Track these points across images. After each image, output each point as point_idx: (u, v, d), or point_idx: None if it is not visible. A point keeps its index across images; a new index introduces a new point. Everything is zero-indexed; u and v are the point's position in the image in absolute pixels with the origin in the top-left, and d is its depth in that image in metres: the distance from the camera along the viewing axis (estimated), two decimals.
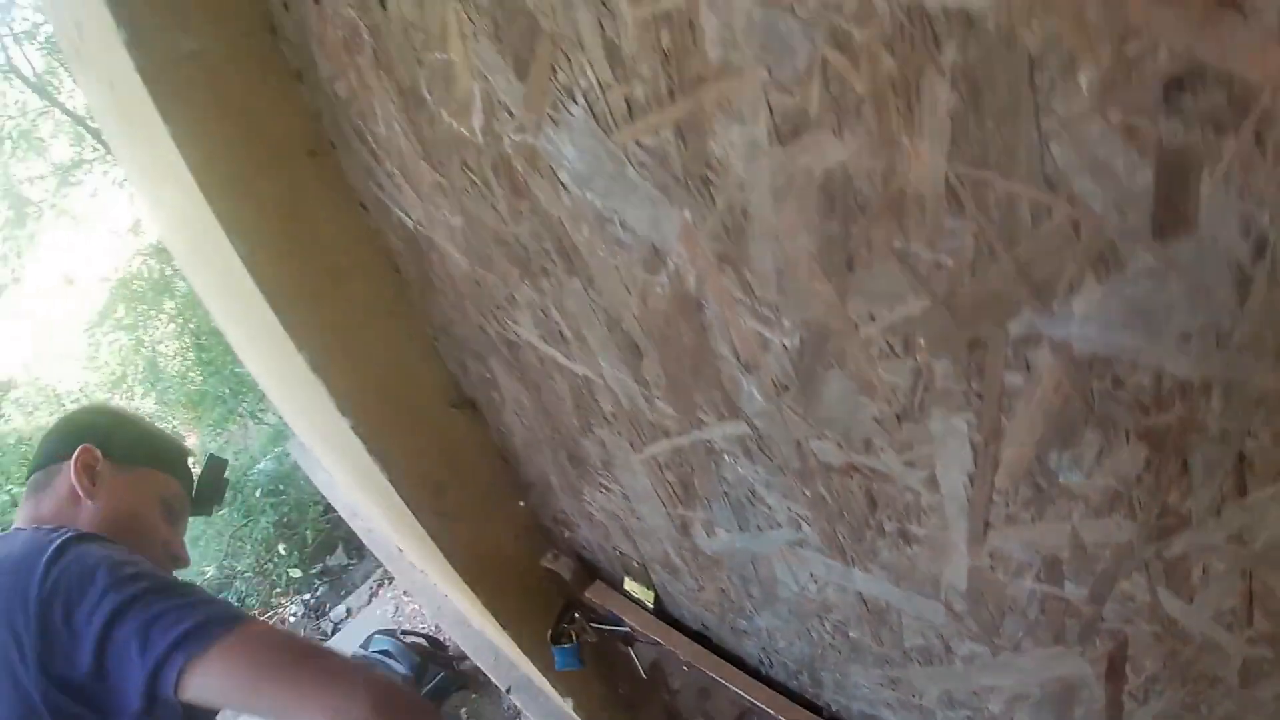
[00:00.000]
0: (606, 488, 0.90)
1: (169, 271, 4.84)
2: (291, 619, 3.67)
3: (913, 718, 0.77)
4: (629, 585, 1.06)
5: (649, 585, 1.03)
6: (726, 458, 0.68)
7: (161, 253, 4.83)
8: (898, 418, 0.51)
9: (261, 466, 4.29)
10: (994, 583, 0.56)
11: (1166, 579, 0.46)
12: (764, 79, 0.40)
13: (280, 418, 3.90)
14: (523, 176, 0.61)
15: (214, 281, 1.22)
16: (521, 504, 1.12)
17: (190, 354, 4.85)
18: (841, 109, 0.39)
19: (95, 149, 6.08)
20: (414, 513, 1.01)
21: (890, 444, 0.53)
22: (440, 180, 0.70)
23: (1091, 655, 0.54)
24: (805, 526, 0.66)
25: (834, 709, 0.89)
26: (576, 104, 0.51)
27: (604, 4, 0.44)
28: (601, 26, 0.45)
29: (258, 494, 4.04)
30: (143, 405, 4.91)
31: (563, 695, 1.36)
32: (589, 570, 1.14)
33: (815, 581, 0.72)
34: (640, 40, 0.44)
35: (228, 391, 4.44)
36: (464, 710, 2.53)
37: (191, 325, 4.82)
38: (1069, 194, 0.36)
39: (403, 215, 0.80)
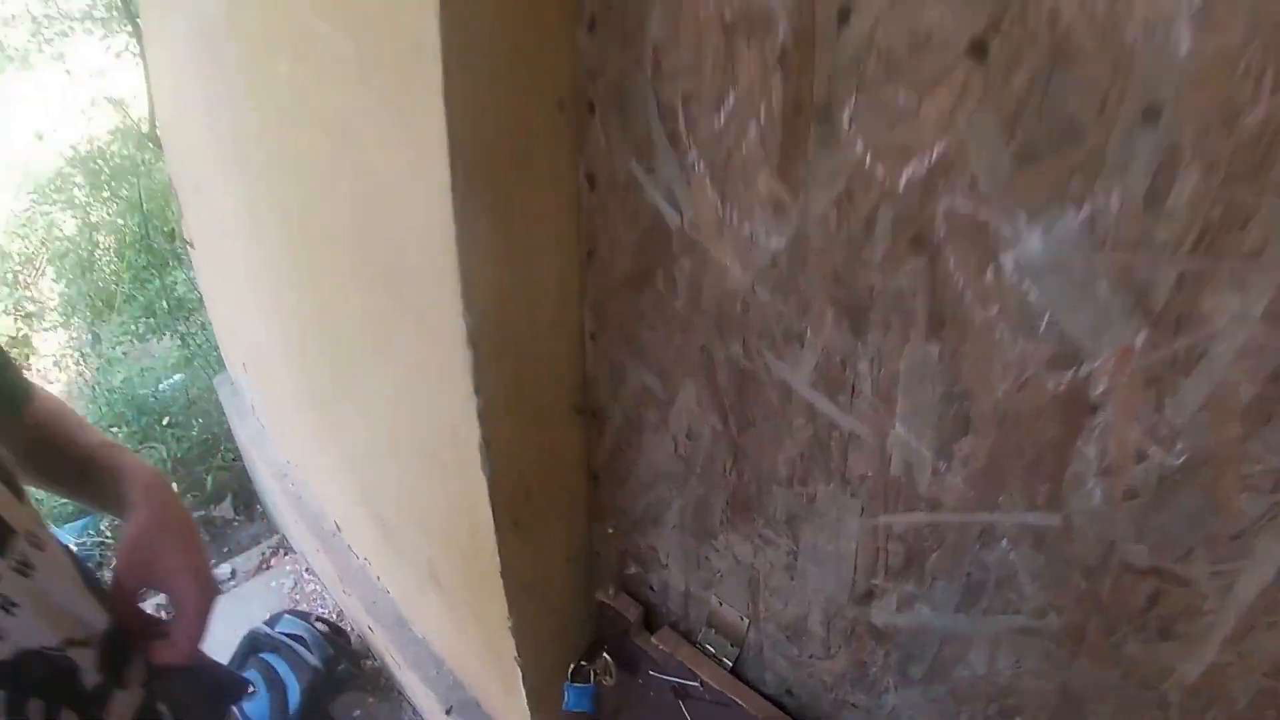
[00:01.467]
0: (769, 541, 1.08)
1: (143, 161, 5.20)
2: None
3: None
4: (708, 638, 1.24)
5: (737, 642, 1.23)
6: (1003, 544, 0.91)
7: (139, 138, 5.12)
8: (1230, 537, 0.79)
9: (163, 388, 4.53)
10: (1223, 677, 0.87)
11: None
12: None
13: (205, 345, 4.37)
14: (940, 239, 0.78)
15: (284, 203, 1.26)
16: (610, 529, 1.24)
17: (131, 252, 5.14)
18: None
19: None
20: (494, 515, 1.09)
21: (1208, 557, 0.81)
22: (784, 198, 0.84)
23: None
24: (1052, 615, 0.92)
25: None
26: (1078, 213, 0.71)
27: (1171, 156, 0.65)
28: (1155, 175, 0.67)
29: (164, 421, 4.22)
30: (61, 291, 5.36)
31: None
32: (648, 613, 1.29)
33: (1017, 668, 0.99)
34: (1192, 205, 0.66)
35: (160, 304, 4.70)
36: (357, 712, 2.65)
37: (141, 222, 5.09)
38: None
39: (668, 207, 0.91)
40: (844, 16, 0.75)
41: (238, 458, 3.80)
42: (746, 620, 1.19)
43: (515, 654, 1.36)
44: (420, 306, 1.01)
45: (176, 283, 4.77)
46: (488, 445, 1.06)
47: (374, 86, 0.94)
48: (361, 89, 0.96)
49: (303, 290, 1.46)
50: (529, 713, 1.58)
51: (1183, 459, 0.77)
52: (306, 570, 3.21)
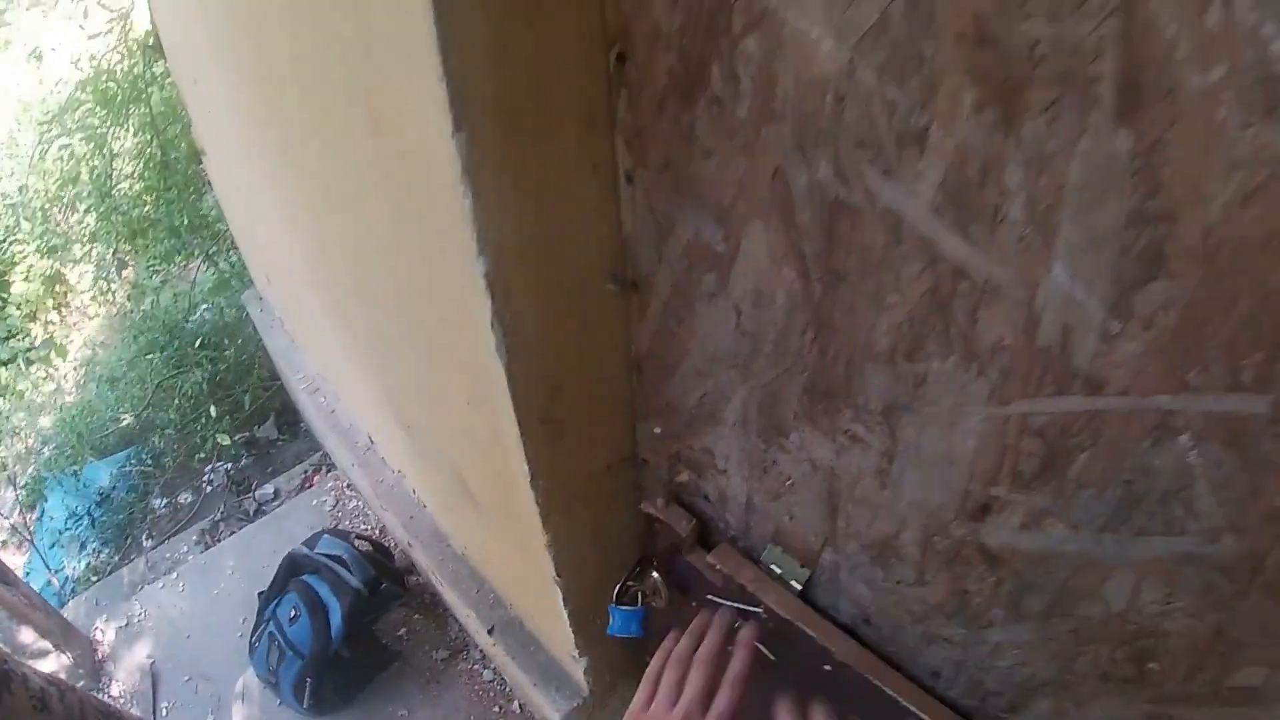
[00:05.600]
0: (858, 439, 0.75)
1: (153, 73, 4.45)
2: (209, 489, 3.60)
3: None
4: (773, 557, 0.93)
5: (809, 563, 0.92)
6: (1184, 439, 0.57)
7: (147, 50, 4.39)
8: None
9: (201, 313, 4.23)
10: None
11: None
12: None
13: (237, 265, 3.95)
14: None
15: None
16: (657, 430, 0.93)
17: (151, 174, 4.55)
18: None
19: None
20: (517, 412, 0.79)
21: None
22: None
23: None
24: (1228, 538, 0.58)
25: None
26: None
27: None
28: None
29: (196, 344, 3.91)
30: (86, 222, 4.78)
31: (579, 654, 1.24)
32: (703, 527, 0.99)
33: (1167, 603, 0.65)
34: None
35: (184, 224, 4.23)
36: (403, 630, 2.43)
37: (159, 142, 4.47)
38: None
39: None
40: None
41: (275, 375, 3.52)
42: (821, 538, 0.87)
43: (554, 573, 1.09)
44: (413, 134, 0.70)
45: (202, 203, 4.36)
46: (501, 324, 0.76)
47: None
48: None
49: (309, 182, 1.16)
50: (572, 635, 1.31)
51: None
52: (348, 486, 2.95)
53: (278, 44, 0.97)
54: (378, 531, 2.71)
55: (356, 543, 2.35)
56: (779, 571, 0.94)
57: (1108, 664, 0.74)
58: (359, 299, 1.26)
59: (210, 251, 4.34)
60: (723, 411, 0.85)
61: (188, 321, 4.16)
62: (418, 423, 1.37)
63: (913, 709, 0.89)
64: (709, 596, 1.01)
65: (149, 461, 3.74)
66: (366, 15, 0.69)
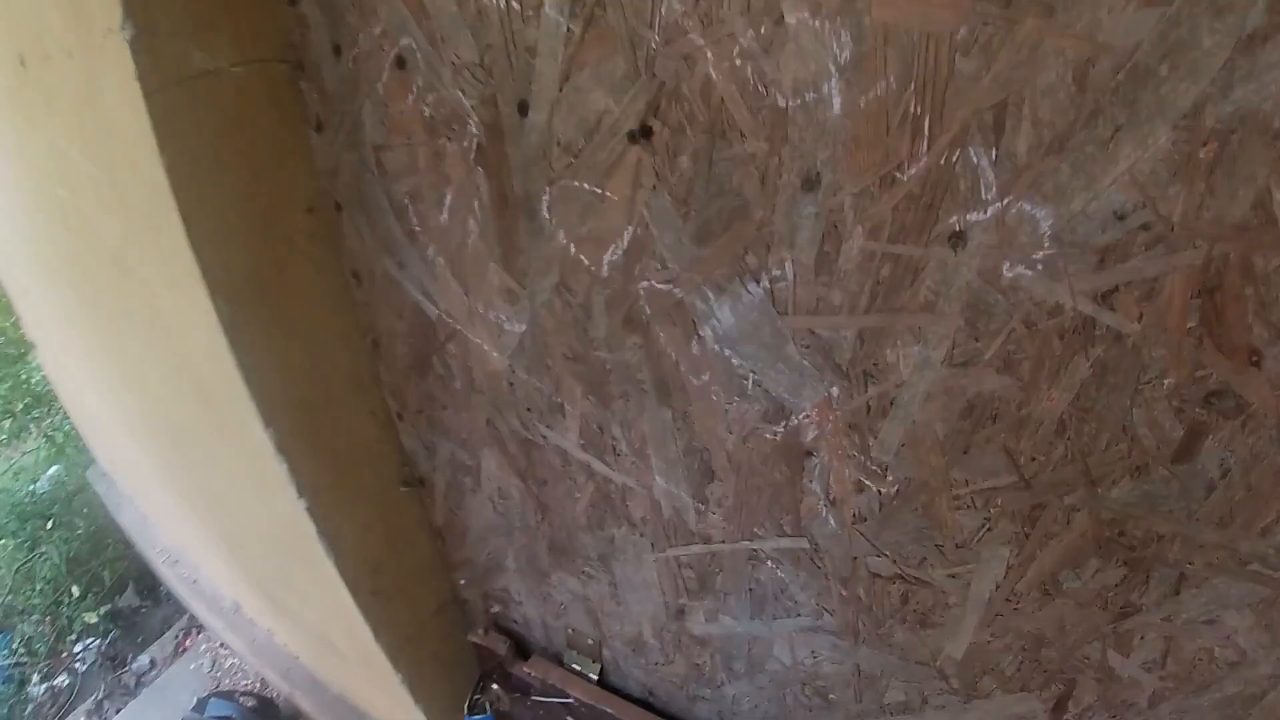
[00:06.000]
0: (590, 576, 1.04)
1: None
2: (83, 668, 3.46)
3: None
4: (572, 659, 1.20)
5: (596, 660, 1.19)
6: (769, 564, 0.88)
7: None
8: (956, 546, 0.76)
9: (37, 487, 4.10)
10: (986, 652, 0.85)
11: (1116, 644, 0.79)
12: (959, 325, 0.61)
13: (73, 433, 3.86)
14: (647, 318, 0.73)
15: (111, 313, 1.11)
16: (462, 581, 1.19)
17: None
18: (1010, 360, 0.61)
19: None
20: (351, 592, 1.03)
21: (941, 563, 0.78)
22: (514, 288, 0.78)
23: (1045, 696, 0.86)
24: (826, 616, 0.89)
25: None
26: (758, 285, 0.66)
27: (835, 227, 0.61)
28: (823, 241, 0.62)
29: (48, 525, 3.83)
30: None
31: None
32: (520, 644, 1.25)
33: (814, 657, 0.96)
34: (860, 266, 0.61)
35: (21, 405, 4.26)
36: None
37: None
38: (1133, 435, 0.63)
39: (424, 300, 0.84)
40: (523, 109, 0.69)
41: (129, 543, 3.39)
42: (597, 641, 1.15)
43: (413, 702, 1.31)
44: (230, 421, 0.93)
45: (32, 378, 4.28)
46: (325, 535, 0.99)
47: (131, 219, 0.85)
48: (123, 219, 0.87)
49: (135, 396, 1.33)
50: None
51: (896, 488, 0.73)
52: (221, 645, 2.95)
53: (98, 301, 1.14)
54: (259, 685, 2.74)
55: (242, 700, 2.42)
56: (579, 668, 1.21)
57: (805, 698, 1.04)
58: (204, 500, 1.42)
59: (46, 427, 4.38)
60: (505, 562, 1.12)
61: (31, 500, 4.15)
62: (278, 594, 1.55)
63: None
64: (533, 697, 1.27)
65: (20, 650, 3.54)
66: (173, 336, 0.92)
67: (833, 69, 0.57)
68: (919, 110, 0.56)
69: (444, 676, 1.33)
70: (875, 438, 0.70)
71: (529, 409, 0.87)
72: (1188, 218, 0.52)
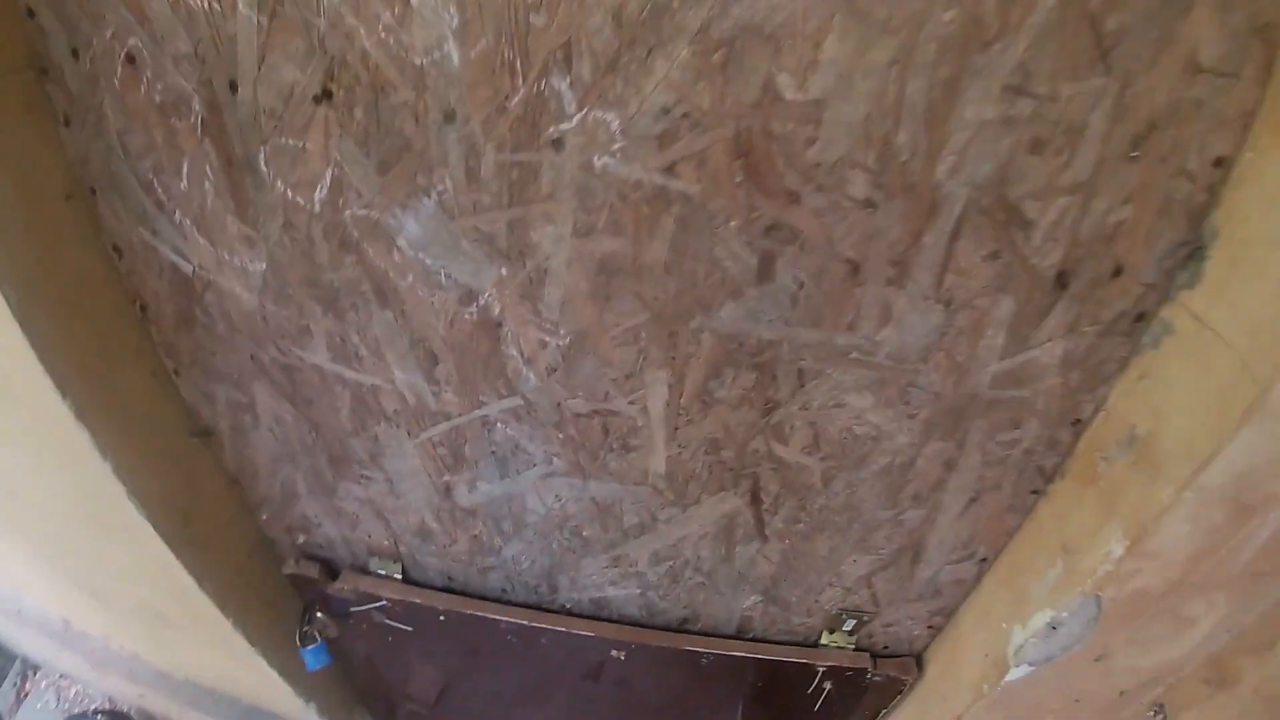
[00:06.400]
0: (368, 478, 1.23)
1: None
2: None
3: (630, 585, 1.34)
4: (376, 564, 1.38)
5: (395, 559, 1.38)
6: (499, 425, 1.12)
7: None
8: (626, 377, 1.04)
9: None
10: (682, 463, 1.14)
11: (774, 435, 1.10)
12: (574, 206, 0.87)
13: None
14: (356, 239, 0.93)
15: None
16: (265, 517, 1.33)
17: None
18: (618, 226, 0.88)
19: None
20: (168, 545, 1.15)
21: (620, 393, 1.05)
22: (249, 234, 0.95)
23: (740, 492, 1.17)
24: (556, 460, 1.15)
25: (569, 606, 1.41)
26: (430, 198, 0.89)
27: (473, 147, 0.84)
28: (467, 159, 0.85)
29: None
30: None
31: (305, 700, 1.58)
32: (329, 567, 1.41)
33: (559, 500, 1.22)
34: (496, 173, 0.86)
35: None
36: None
37: None
38: (722, 267, 0.93)
39: (179, 259, 0.99)
40: (234, 87, 0.86)
41: None
42: (392, 541, 1.35)
43: (249, 645, 1.42)
44: (28, 403, 1.02)
45: None
46: (134, 493, 1.10)
47: None
48: None
49: None
50: (291, 690, 1.65)
51: (569, 339, 0.99)
52: (61, 677, 2.87)
53: None
54: (108, 702, 2.69)
55: (96, 717, 2.41)
56: (384, 572, 1.40)
57: (567, 540, 1.30)
58: (6, 506, 1.45)
59: None
60: (296, 489, 1.29)
61: None
62: (99, 584, 1.59)
63: (498, 616, 1.40)
64: (354, 609, 1.44)
65: None
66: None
67: (449, 33, 0.80)
68: (512, 56, 0.80)
69: (273, 616, 1.47)
70: (542, 302, 0.96)
71: (283, 336, 1.05)
72: (715, 104, 0.79)
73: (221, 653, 1.51)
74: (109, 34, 0.84)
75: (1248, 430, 0.71)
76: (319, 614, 1.51)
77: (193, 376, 1.15)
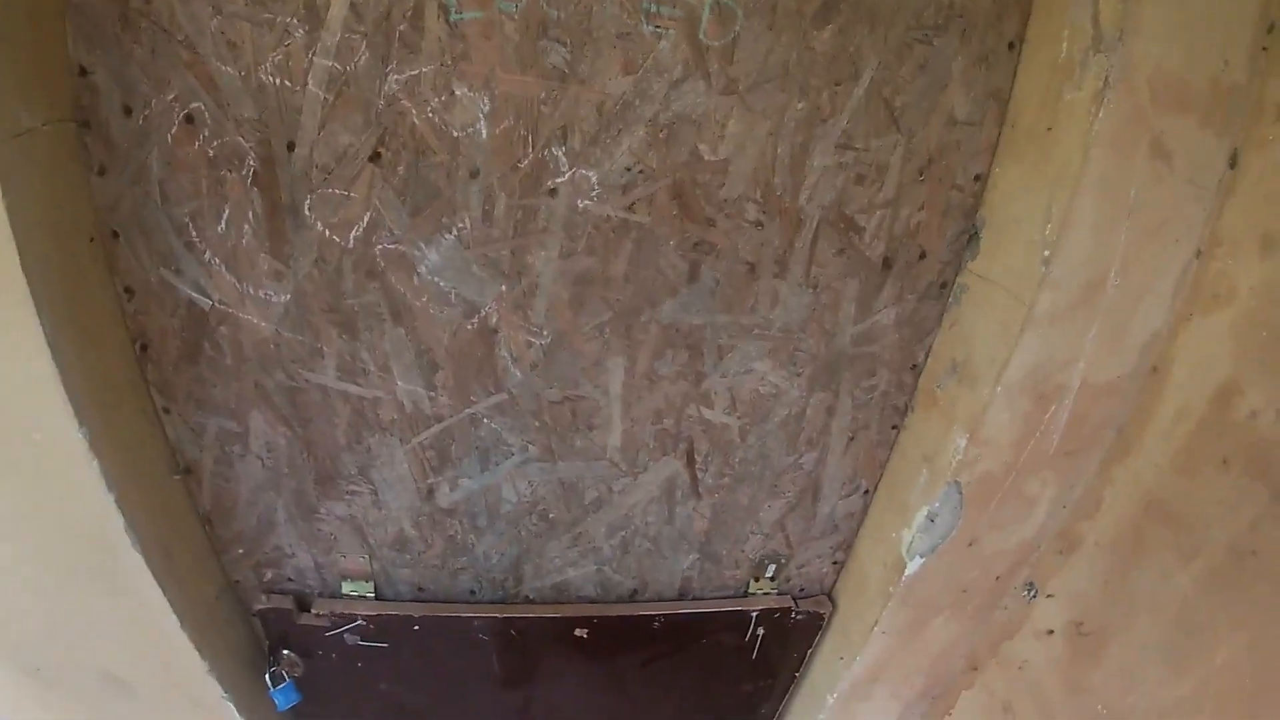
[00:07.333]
0: (354, 491, 1.36)
1: None
2: None
3: (588, 563, 1.56)
4: (348, 588, 1.47)
5: (368, 578, 1.48)
6: (485, 420, 1.33)
7: None
8: (593, 365, 1.31)
9: None
10: (633, 435, 1.42)
11: (703, 401, 1.41)
12: (561, 236, 1.16)
13: None
14: (382, 268, 1.14)
15: None
16: (237, 552, 1.37)
17: None
18: (592, 249, 1.18)
19: None
20: (154, 577, 1.18)
21: (587, 380, 1.32)
22: (280, 268, 1.12)
23: (678, 455, 1.46)
24: (531, 448, 1.38)
25: (533, 596, 1.59)
26: (450, 234, 1.13)
27: (490, 196, 1.11)
28: (484, 204, 1.11)
29: None
30: None
31: None
32: (300, 599, 1.47)
33: (531, 485, 1.44)
34: (506, 214, 1.13)
35: None
36: None
37: None
38: (664, 273, 1.25)
39: (198, 295, 1.12)
40: (291, 147, 1.05)
41: None
42: (368, 557, 1.47)
43: (221, 693, 1.41)
44: (44, 426, 1.04)
45: None
46: (132, 529, 1.14)
47: None
48: None
49: None
50: None
51: (550, 339, 1.26)
52: None
53: None
54: None
55: None
56: (356, 593, 1.50)
57: (534, 526, 1.50)
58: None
59: None
60: (275, 517, 1.38)
61: None
62: (54, 658, 1.43)
63: (470, 615, 1.55)
64: (326, 635, 1.50)
65: None
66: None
67: (481, 115, 1.07)
68: (525, 133, 1.09)
69: (243, 660, 1.48)
70: (531, 310, 1.23)
71: (293, 360, 1.20)
72: (660, 164, 1.13)
73: (189, 707, 1.47)
74: (170, 96, 1.00)
75: (1027, 335, 1.16)
76: (285, 651, 1.54)
77: (184, 412, 1.24)
